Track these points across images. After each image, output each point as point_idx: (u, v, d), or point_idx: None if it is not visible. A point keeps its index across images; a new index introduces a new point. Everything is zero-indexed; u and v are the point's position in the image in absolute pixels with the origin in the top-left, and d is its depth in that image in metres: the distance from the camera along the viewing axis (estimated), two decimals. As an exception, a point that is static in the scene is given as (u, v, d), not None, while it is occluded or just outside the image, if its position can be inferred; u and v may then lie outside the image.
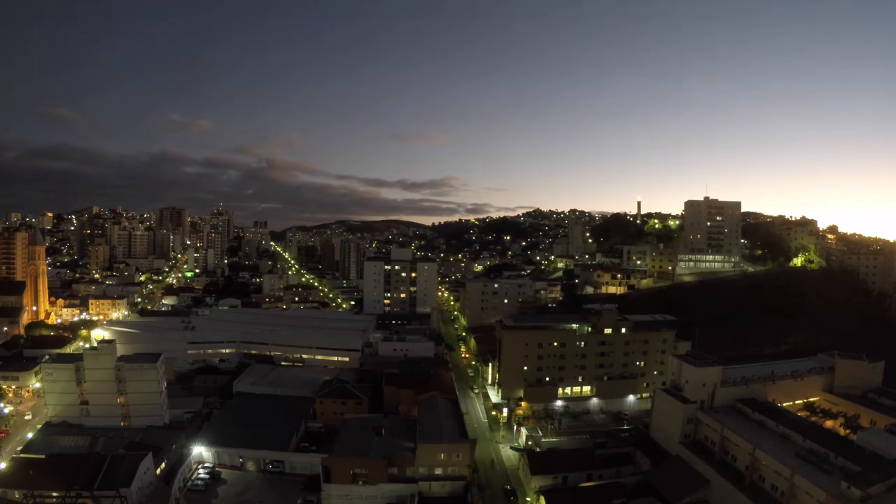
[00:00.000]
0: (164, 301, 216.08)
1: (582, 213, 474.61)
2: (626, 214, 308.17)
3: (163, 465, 75.83)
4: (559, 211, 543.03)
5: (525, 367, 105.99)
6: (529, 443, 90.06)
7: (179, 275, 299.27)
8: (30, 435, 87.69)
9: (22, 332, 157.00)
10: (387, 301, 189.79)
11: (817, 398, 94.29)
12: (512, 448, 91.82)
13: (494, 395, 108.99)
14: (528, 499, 75.80)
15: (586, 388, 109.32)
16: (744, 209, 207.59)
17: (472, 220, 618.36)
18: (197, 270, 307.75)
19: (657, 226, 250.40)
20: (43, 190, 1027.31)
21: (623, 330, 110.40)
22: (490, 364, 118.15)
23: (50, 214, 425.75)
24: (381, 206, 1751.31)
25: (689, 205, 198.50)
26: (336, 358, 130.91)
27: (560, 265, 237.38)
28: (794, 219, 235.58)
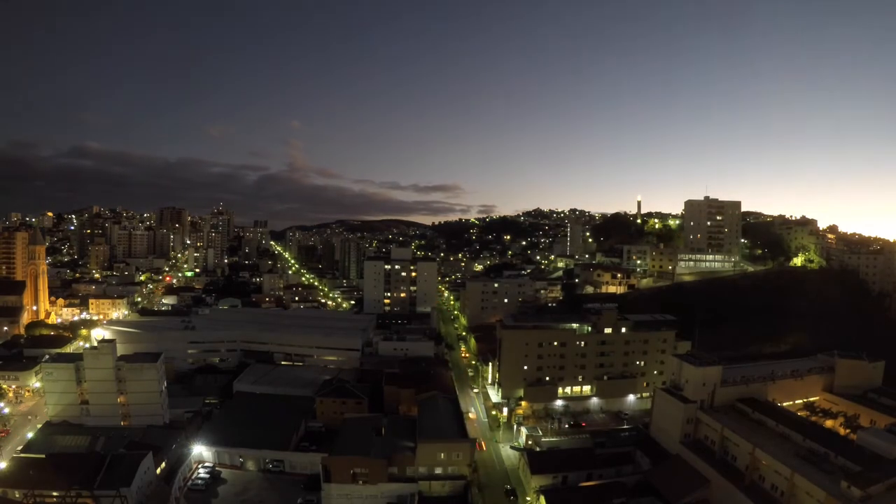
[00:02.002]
0: (164, 301, 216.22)
1: (582, 212, 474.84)
2: (626, 214, 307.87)
3: (163, 464, 75.87)
4: (559, 210, 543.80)
5: (525, 367, 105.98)
6: (529, 442, 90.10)
7: (179, 274, 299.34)
8: (30, 434, 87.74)
9: (22, 331, 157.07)
10: (387, 301, 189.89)
11: (817, 398, 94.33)
12: (512, 448, 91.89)
13: (494, 395, 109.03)
14: (529, 498, 75.83)
15: (586, 388, 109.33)
16: (744, 209, 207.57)
17: (473, 219, 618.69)
18: (197, 270, 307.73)
19: (657, 225, 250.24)
20: (67, 190, 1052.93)
21: (623, 329, 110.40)
22: (490, 363, 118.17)
23: (50, 214, 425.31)
24: (394, 207, 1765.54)
25: (689, 204, 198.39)
26: (336, 357, 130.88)
27: (560, 265, 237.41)
28: (794, 218, 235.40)
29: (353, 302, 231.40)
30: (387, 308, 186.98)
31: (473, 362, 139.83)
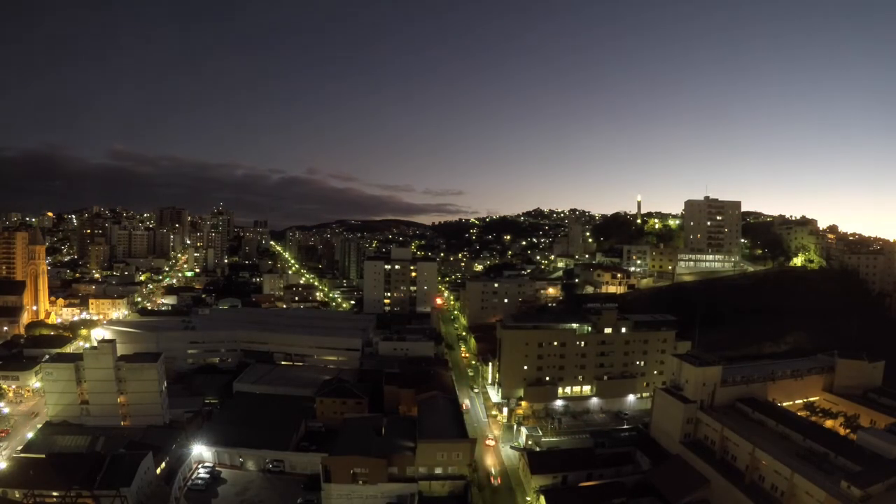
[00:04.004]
0: (165, 301, 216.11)
1: (582, 212, 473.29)
2: (626, 214, 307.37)
3: (163, 464, 75.91)
4: (559, 210, 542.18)
5: (525, 367, 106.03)
6: (529, 442, 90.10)
7: (179, 274, 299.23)
8: (30, 434, 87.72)
9: (22, 331, 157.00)
10: (387, 301, 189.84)
11: (817, 398, 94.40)
12: (512, 448, 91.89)
13: (494, 395, 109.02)
14: (528, 498, 75.83)
15: (586, 388, 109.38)
16: (744, 208, 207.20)
17: (473, 219, 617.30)
18: (197, 270, 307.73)
19: (657, 225, 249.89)
20: (88, 189, 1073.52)
21: (623, 329, 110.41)
22: (490, 364, 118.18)
23: (50, 214, 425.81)
24: (405, 210, 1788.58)
25: (689, 204, 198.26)
26: (336, 357, 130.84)
27: (560, 265, 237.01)
28: (794, 218, 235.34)
29: (353, 302, 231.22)
30: (387, 308, 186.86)
31: (473, 362, 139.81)
